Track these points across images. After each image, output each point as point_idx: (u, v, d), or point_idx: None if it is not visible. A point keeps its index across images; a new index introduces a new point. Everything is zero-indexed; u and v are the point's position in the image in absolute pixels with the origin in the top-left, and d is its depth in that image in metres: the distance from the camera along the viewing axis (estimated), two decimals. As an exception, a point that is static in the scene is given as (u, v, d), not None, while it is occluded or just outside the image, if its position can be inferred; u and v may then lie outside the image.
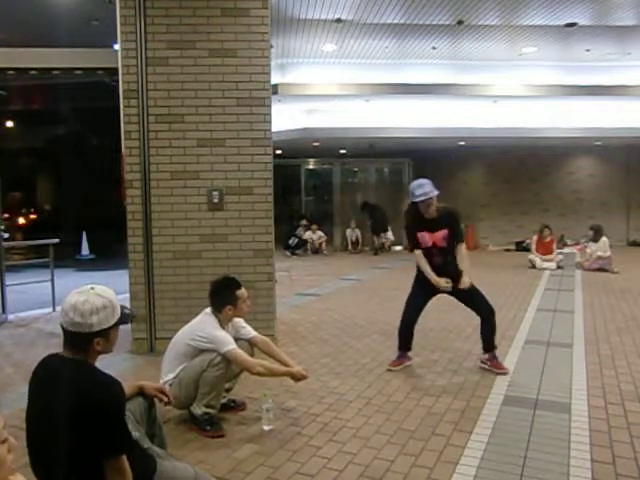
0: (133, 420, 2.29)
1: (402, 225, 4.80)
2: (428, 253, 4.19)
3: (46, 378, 1.93)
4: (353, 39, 8.35)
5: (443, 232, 4.16)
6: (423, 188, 4.04)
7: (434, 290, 4.22)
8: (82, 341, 1.91)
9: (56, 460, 1.83)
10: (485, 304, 4.23)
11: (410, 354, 4.51)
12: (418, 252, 4.23)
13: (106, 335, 1.95)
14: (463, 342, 5.06)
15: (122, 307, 2.06)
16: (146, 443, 2.25)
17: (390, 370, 4.29)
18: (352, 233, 14.34)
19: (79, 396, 1.80)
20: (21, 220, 23.78)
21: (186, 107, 4.81)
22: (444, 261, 4.18)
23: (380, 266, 11.17)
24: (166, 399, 2.48)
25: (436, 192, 4.05)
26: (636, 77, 10.03)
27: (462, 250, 4.20)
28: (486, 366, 4.26)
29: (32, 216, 24.82)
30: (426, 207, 4.09)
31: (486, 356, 4.29)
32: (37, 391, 1.93)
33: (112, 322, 1.96)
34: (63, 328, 1.93)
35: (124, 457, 1.83)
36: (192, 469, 2.24)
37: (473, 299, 4.22)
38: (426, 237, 4.17)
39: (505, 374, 4.12)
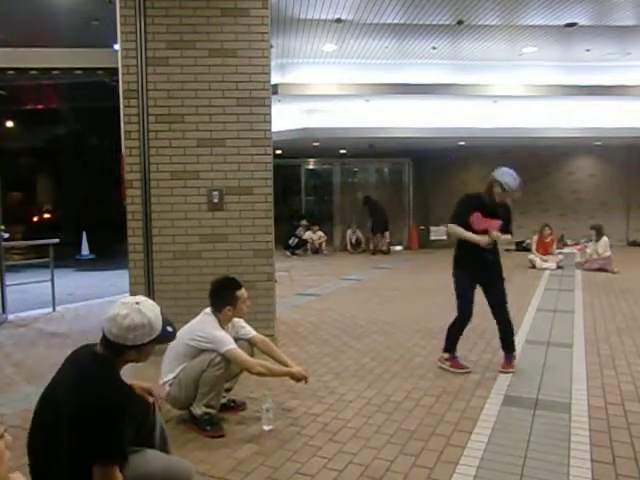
0: None
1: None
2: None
3: (68, 370, 1.98)
4: (353, 39, 8.36)
5: (498, 222, 4.11)
6: (517, 181, 4.04)
7: (476, 277, 4.18)
8: (115, 349, 1.97)
9: (56, 454, 1.83)
10: (504, 309, 4.24)
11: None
12: (453, 225, 4.18)
13: (139, 350, 2.00)
14: (463, 342, 5.04)
15: (166, 324, 2.09)
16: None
17: (467, 372, 4.22)
18: (352, 235, 14.30)
19: (85, 396, 1.81)
20: (35, 218, 23.75)
21: (186, 107, 4.81)
22: (491, 250, 4.13)
23: (380, 266, 11.17)
24: (152, 400, 2.41)
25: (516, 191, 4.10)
26: (636, 77, 10.03)
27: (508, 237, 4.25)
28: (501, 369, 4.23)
29: (46, 215, 24.77)
30: (504, 196, 4.08)
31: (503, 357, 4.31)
32: (58, 376, 1.99)
33: (147, 340, 2.00)
34: (102, 332, 1.99)
35: (116, 468, 1.83)
36: (161, 457, 2.17)
37: (498, 298, 4.22)
38: (480, 219, 4.07)
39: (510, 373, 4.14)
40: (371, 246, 13.77)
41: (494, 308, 4.25)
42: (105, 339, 1.98)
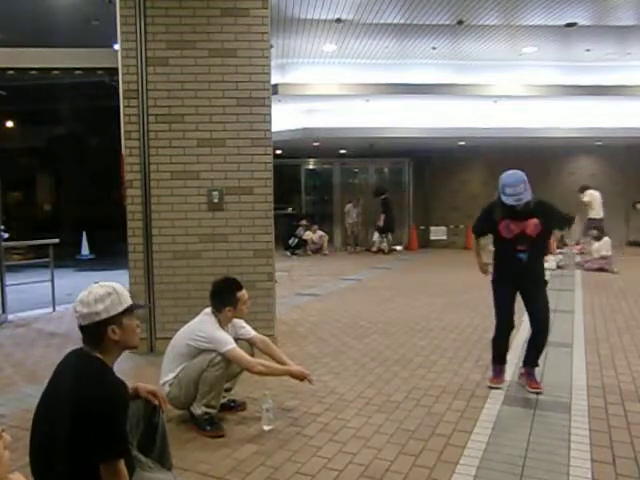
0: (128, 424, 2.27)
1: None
2: (511, 244, 3.77)
3: (61, 373, 1.97)
4: (353, 39, 8.36)
5: (533, 221, 3.72)
6: (515, 188, 3.58)
7: (513, 282, 3.85)
8: (95, 332, 1.95)
9: (56, 454, 1.83)
10: (543, 317, 3.86)
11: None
12: (474, 241, 4.16)
13: (119, 323, 1.97)
14: (463, 342, 5.06)
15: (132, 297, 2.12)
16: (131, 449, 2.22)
17: (491, 387, 3.86)
18: (353, 209, 14.11)
19: (82, 395, 1.81)
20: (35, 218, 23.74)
21: (186, 107, 4.81)
22: (529, 256, 3.76)
23: (380, 266, 11.16)
24: (156, 402, 2.36)
25: (529, 197, 3.63)
26: (636, 77, 10.04)
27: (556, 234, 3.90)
28: (520, 380, 3.93)
29: (46, 215, 24.73)
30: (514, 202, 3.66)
31: (522, 370, 3.97)
32: (51, 384, 1.97)
33: (120, 309, 1.98)
34: (79, 326, 1.97)
35: (121, 461, 1.83)
36: None
37: (537, 306, 3.85)
38: (511, 226, 3.74)
39: (539, 393, 3.72)
40: (375, 246, 13.69)
41: (531, 315, 3.86)
42: (82, 330, 1.96)
